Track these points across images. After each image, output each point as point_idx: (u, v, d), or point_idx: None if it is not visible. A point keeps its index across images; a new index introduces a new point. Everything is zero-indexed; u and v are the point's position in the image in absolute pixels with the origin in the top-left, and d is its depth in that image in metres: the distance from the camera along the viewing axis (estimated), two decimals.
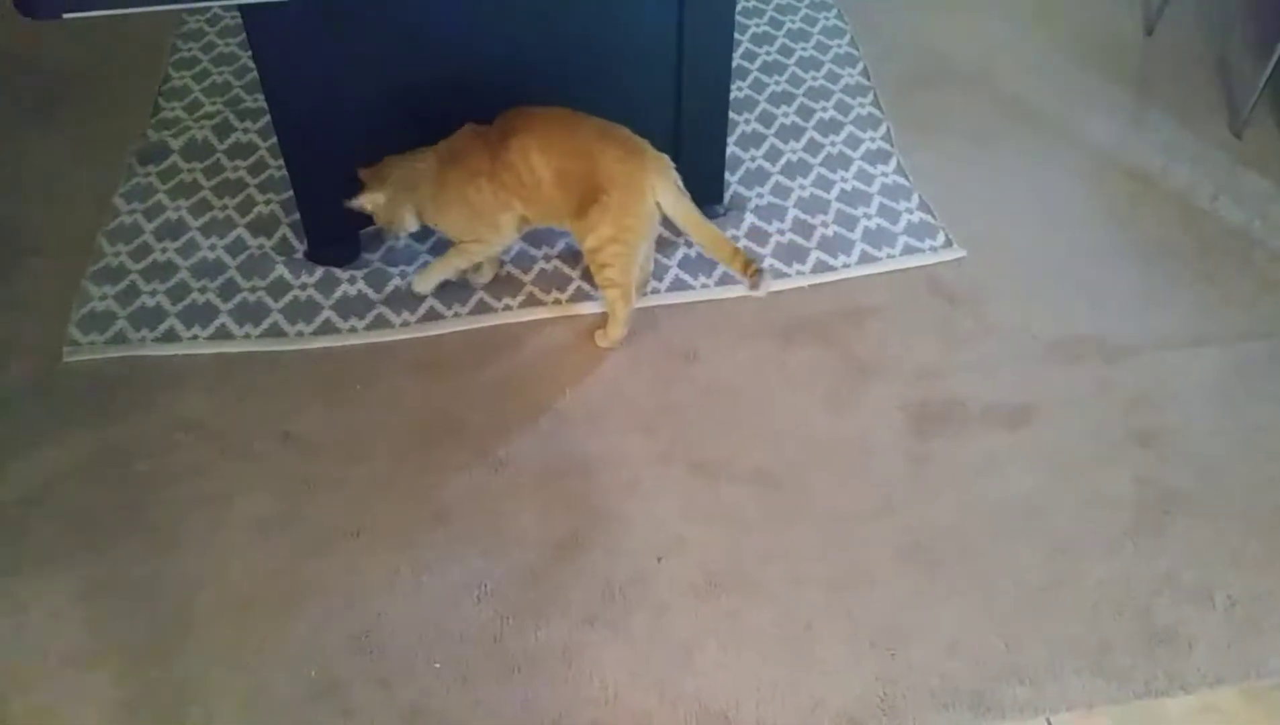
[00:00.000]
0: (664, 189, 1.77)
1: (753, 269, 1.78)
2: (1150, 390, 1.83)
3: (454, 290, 1.97)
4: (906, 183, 2.20)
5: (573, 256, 2.02)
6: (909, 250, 2.06)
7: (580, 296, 1.98)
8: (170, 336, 1.90)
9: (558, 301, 1.97)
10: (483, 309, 1.95)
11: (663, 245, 2.05)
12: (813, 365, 1.87)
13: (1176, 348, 1.90)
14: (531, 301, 1.97)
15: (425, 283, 1.94)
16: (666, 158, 1.80)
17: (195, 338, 1.90)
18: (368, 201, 1.83)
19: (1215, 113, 2.38)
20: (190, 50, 2.52)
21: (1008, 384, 1.84)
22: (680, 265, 2.03)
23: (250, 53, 1.91)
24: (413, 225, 1.89)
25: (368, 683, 1.47)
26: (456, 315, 1.94)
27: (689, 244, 2.05)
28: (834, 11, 2.65)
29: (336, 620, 1.54)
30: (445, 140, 1.86)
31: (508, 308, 1.96)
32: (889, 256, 2.05)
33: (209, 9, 2.59)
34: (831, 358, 1.88)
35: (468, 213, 1.85)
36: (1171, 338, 1.91)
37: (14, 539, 1.62)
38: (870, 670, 1.48)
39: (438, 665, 1.49)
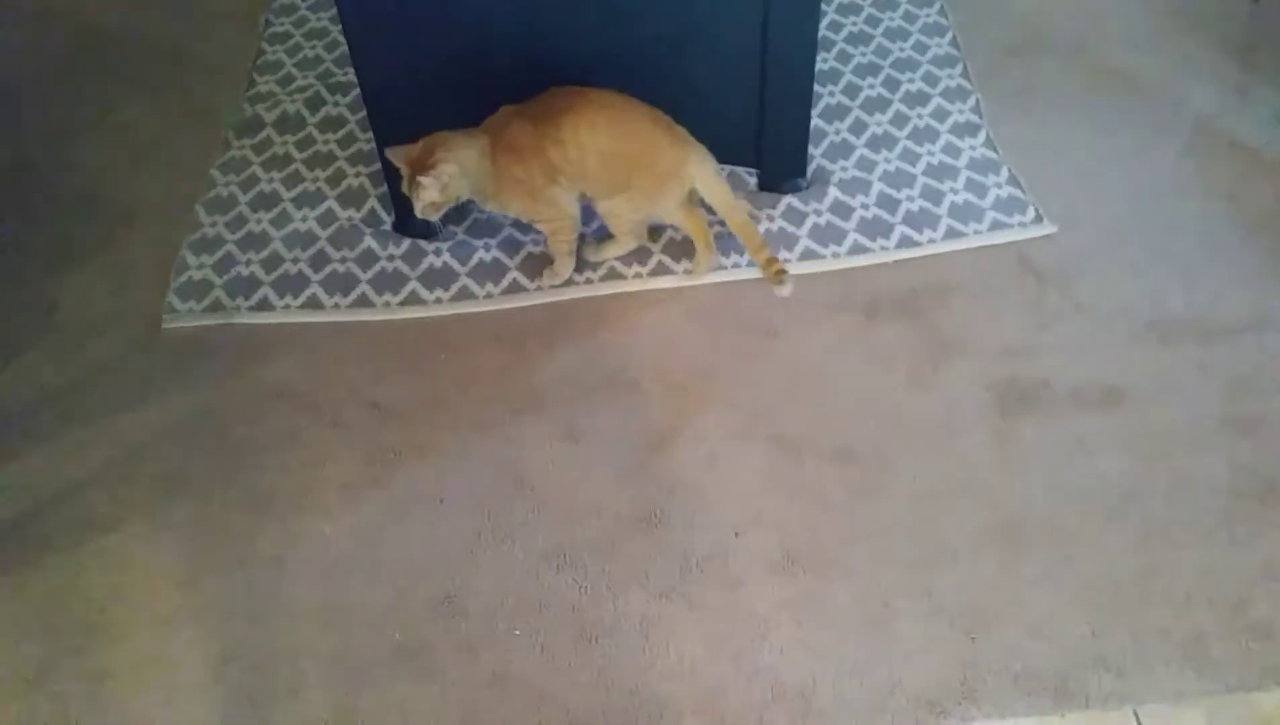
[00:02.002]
0: (702, 176, 1.86)
1: (775, 268, 1.87)
2: (1250, 374, 1.76)
3: (536, 263, 1.99)
4: (995, 156, 2.14)
5: (655, 230, 2.02)
6: (997, 226, 2.01)
7: (661, 270, 1.98)
8: (264, 305, 1.95)
9: (639, 275, 1.98)
10: (564, 282, 1.96)
11: None
12: (896, 342, 1.85)
13: (1279, 330, 1.82)
14: (612, 275, 1.98)
15: (562, 268, 1.95)
16: (704, 148, 1.87)
17: (287, 307, 1.95)
18: (445, 173, 1.79)
19: None
20: (283, 25, 2.57)
21: (1098, 365, 1.79)
22: None
23: (341, 27, 1.94)
24: (453, 201, 1.86)
25: (450, 647, 1.50)
26: (539, 288, 1.96)
27: (770, 218, 2.03)
28: None
29: (420, 584, 1.57)
30: (488, 120, 1.86)
31: (589, 281, 1.97)
32: (976, 232, 2.01)
33: None
34: (916, 335, 1.85)
35: (522, 192, 1.87)
36: (1274, 319, 1.84)
37: (115, 497, 1.70)
38: (951, 652, 1.46)
39: (518, 632, 1.52)
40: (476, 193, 1.87)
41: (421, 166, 1.78)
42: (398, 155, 1.81)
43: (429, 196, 1.81)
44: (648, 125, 1.83)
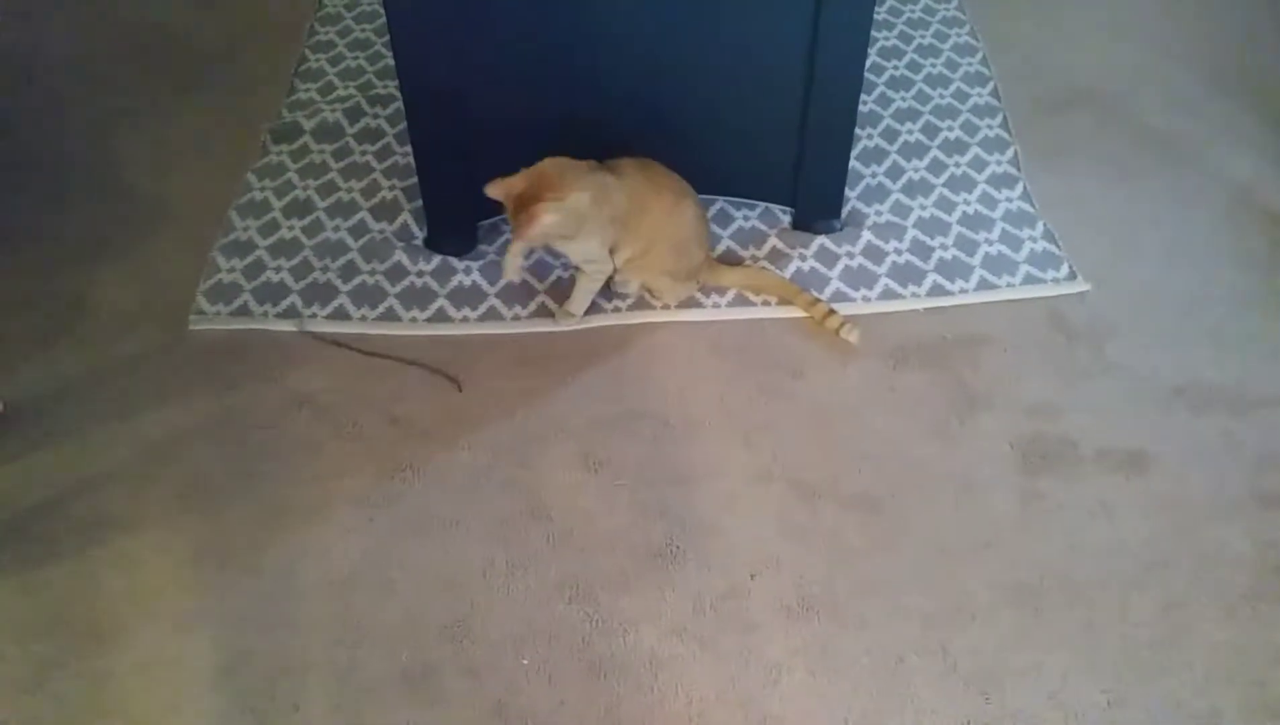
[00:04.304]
0: (717, 281, 2.02)
1: (836, 321, 1.91)
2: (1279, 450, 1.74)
3: (565, 288, 1.98)
4: (1032, 210, 2.13)
5: None
6: (1030, 280, 2.00)
7: (689, 303, 1.97)
8: (291, 313, 1.95)
9: (666, 306, 1.97)
10: (593, 309, 1.96)
11: (776, 258, 2.03)
12: (922, 391, 1.83)
13: None
14: (641, 305, 1.97)
15: (578, 307, 1.93)
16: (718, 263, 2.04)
17: (314, 316, 1.95)
18: (575, 201, 1.72)
19: None
20: (327, 34, 2.58)
21: (1125, 428, 1.77)
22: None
23: (385, 39, 1.94)
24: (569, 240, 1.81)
25: (457, 672, 1.49)
26: (555, 328, 1.94)
27: (802, 258, 2.03)
28: (967, 28, 2.59)
29: (431, 606, 1.56)
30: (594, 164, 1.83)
31: (617, 310, 1.96)
32: (1008, 285, 2.00)
33: None
34: (942, 385, 1.84)
35: (600, 242, 1.84)
36: None
37: (134, 496, 1.69)
38: (962, 711, 1.44)
39: (525, 661, 1.50)
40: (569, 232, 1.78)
41: (542, 196, 1.69)
42: (497, 189, 1.72)
43: (544, 227, 1.70)
44: (703, 233, 1.95)
